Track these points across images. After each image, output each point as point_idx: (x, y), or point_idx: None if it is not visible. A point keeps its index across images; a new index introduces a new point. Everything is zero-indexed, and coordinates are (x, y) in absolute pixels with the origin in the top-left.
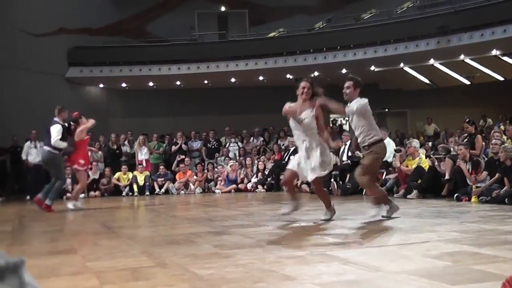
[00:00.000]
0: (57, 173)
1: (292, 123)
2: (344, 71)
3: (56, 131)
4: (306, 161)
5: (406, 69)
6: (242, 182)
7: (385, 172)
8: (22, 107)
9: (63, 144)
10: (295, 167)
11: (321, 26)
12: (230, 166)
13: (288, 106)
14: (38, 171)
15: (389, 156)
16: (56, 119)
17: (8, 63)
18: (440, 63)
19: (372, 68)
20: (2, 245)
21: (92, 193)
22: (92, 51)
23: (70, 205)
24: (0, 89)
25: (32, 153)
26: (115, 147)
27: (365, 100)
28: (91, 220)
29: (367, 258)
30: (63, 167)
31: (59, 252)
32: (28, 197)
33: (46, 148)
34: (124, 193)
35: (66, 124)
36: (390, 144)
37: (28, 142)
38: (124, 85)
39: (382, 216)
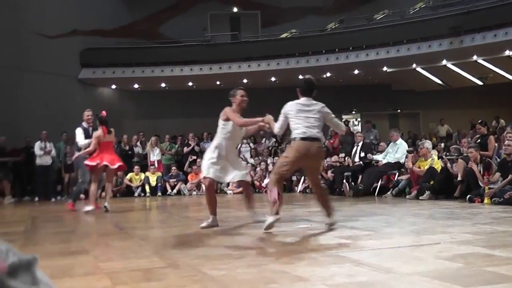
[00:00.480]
0: (81, 174)
1: (230, 127)
2: (356, 72)
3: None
4: (227, 164)
5: (419, 69)
6: (253, 183)
7: (397, 173)
8: (36, 108)
9: (87, 141)
10: (214, 174)
11: (334, 27)
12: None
13: (236, 115)
14: (45, 172)
15: (401, 157)
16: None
17: (21, 65)
18: (453, 64)
19: (385, 68)
20: (15, 246)
21: (103, 194)
22: (104, 53)
23: (105, 203)
24: (13, 90)
25: (39, 154)
26: (127, 148)
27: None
28: (103, 221)
29: (379, 259)
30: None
31: (71, 252)
32: (36, 199)
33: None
34: (136, 194)
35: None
36: (402, 145)
37: (39, 142)
38: (136, 86)
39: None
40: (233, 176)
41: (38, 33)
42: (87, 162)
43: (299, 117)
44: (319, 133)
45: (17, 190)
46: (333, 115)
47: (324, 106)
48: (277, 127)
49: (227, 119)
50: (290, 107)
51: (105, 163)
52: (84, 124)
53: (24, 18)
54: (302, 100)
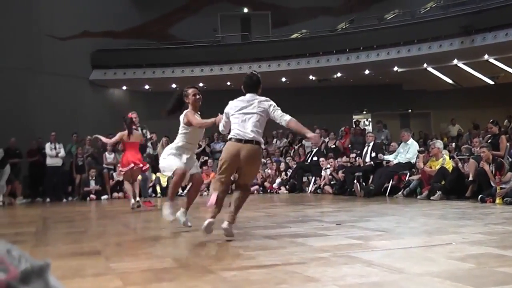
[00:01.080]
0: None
1: (191, 129)
2: (367, 72)
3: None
4: (190, 160)
5: (430, 69)
6: (264, 182)
7: (408, 173)
8: (47, 109)
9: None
10: (182, 166)
11: (344, 27)
12: None
13: (194, 116)
14: (56, 173)
15: (412, 157)
16: None
17: (33, 66)
18: (464, 63)
19: (395, 68)
20: (27, 247)
21: (115, 194)
22: (115, 54)
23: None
24: (25, 92)
25: (51, 155)
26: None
27: None
28: (114, 222)
29: (390, 260)
30: None
31: (82, 253)
32: (48, 200)
33: None
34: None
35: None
36: (413, 145)
37: (49, 144)
38: (147, 87)
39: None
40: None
41: (49, 35)
42: (120, 169)
43: (237, 115)
44: (256, 134)
45: (30, 191)
46: (277, 107)
47: (267, 100)
48: (220, 126)
49: (188, 123)
50: (230, 105)
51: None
52: None
53: (36, 20)
54: (247, 96)
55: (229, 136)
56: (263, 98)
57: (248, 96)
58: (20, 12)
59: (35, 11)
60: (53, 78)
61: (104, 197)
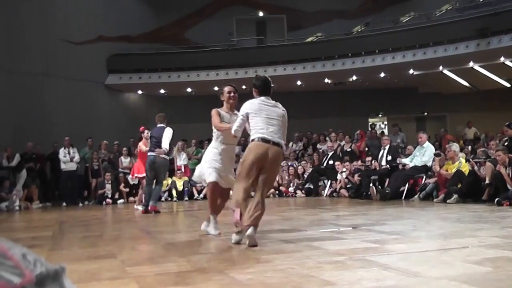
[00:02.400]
0: (162, 178)
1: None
2: (382, 75)
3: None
4: (226, 167)
5: (446, 72)
6: (280, 186)
7: (424, 177)
8: (63, 114)
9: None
10: (218, 178)
11: (359, 30)
12: None
13: (218, 119)
14: (71, 178)
15: (428, 160)
16: (162, 125)
17: (49, 71)
18: (480, 66)
19: (411, 71)
20: (43, 250)
21: (131, 198)
22: (131, 58)
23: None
24: (41, 96)
25: (65, 160)
26: None
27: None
28: (130, 225)
29: (407, 263)
30: None
31: (98, 257)
32: (64, 204)
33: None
34: (163, 199)
35: None
36: (429, 148)
37: (63, 149)
38: (162, 91)
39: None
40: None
41: (65, 40)
42: (136, 174)
43: (262, 118)
44: (281, 138)
45: (46, 195)
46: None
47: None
48: (234, 127)
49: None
50: (250, 106)
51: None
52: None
53: (52, 25)
54: (267, 99)
55: (254, 137)
56: (279, 104)
57: (267, 99)
58: (36, 17)
59: (51, 16)
60: (69, 82)
61: (120, 201)
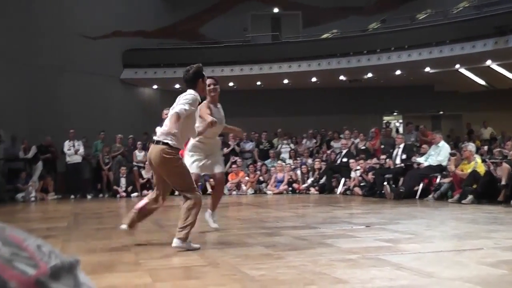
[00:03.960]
0: None
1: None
2: (398, 72)
3: None
4: (208, 158)
5: (462, 70)
6: (293, 183)
7: (439, 176)
8: (78, 108)
9: None
10: (195, 169)
11: (375, 26)
12: (277, 167)
13: (208, 113)
14: (77, 171)
15: (443, 160)
16: None
17: (65, 65)
18: (498, 65)
19: (427, 69)
20: (58, 241)
21: (145, 192)
22: (146, 53)
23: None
24: (57, 90)
25: (69, 153)
26: None
27: None
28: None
29: (420, 263)
30: None
31: (112, 249)
32: (72, 197)
33: None
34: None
35: None
36: (444, 148)
37: (67, 141)
38: (177, 86)
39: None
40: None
41: (81, 35)
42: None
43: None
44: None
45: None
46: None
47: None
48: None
49: (201, 116)
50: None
51: None
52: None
53: (68, 20)
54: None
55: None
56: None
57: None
58: (53, 12)
59: (67, 11)
60: (85, 77)
61: (134, 194)
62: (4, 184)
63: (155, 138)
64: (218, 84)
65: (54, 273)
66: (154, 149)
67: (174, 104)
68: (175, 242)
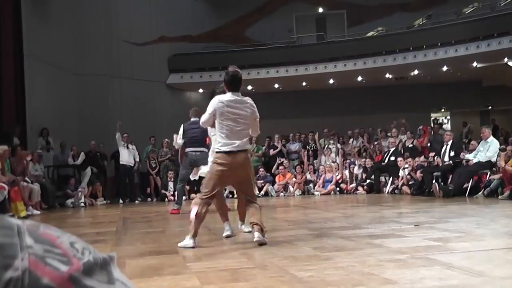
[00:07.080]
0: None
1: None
2: (445, 68)
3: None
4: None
5: (511, 64)
6: (340, 183)
7: (489, 173)
8: (126, 113)
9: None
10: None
11: (421, 22)
12: (325, 167)
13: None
14: (127, 174)
15: (493, 156)
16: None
17: (112, 72)
18: None
19: (475, 64)
20: (107, 245)
21: (193, 195)
22: (192, 58)
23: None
24: (105, 97)
25: (123, 155)
26: None
27: None
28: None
29: (470, 262)
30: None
31: (161, 252)
32: (121, 202)
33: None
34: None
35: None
36: (494, 143)
37: (123, 143)
38: None
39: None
40: None
41: (128, 41)
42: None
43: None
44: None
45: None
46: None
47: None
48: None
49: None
50: (217, 104)
51: None
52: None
53: (115, 28)
54: (229, 95)
55: (219, 149)
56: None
57: (236, 95)
58: (101, 20)
59: (114, 18)
60: (132, 83)
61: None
62: (54, 191)
63: (238, 149)
64: None
65: (87, 269)
66: (240, 155)
67: (235, 110)
68: (261, 237)
